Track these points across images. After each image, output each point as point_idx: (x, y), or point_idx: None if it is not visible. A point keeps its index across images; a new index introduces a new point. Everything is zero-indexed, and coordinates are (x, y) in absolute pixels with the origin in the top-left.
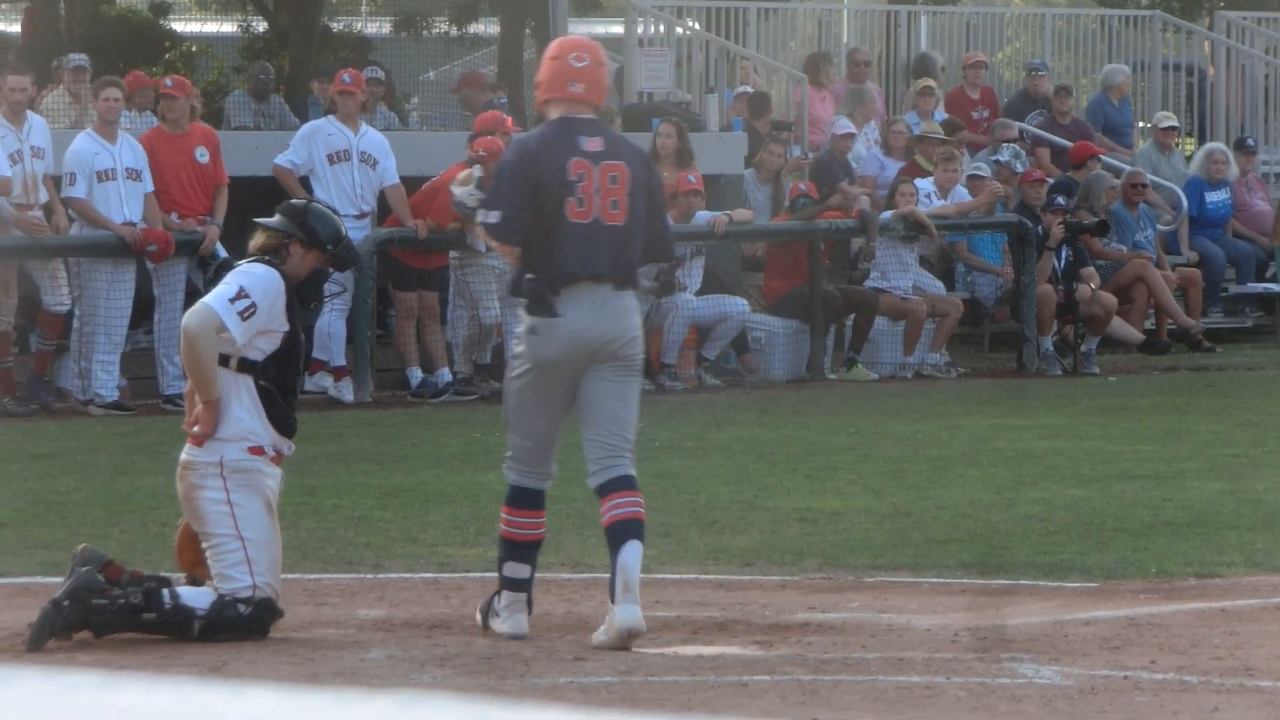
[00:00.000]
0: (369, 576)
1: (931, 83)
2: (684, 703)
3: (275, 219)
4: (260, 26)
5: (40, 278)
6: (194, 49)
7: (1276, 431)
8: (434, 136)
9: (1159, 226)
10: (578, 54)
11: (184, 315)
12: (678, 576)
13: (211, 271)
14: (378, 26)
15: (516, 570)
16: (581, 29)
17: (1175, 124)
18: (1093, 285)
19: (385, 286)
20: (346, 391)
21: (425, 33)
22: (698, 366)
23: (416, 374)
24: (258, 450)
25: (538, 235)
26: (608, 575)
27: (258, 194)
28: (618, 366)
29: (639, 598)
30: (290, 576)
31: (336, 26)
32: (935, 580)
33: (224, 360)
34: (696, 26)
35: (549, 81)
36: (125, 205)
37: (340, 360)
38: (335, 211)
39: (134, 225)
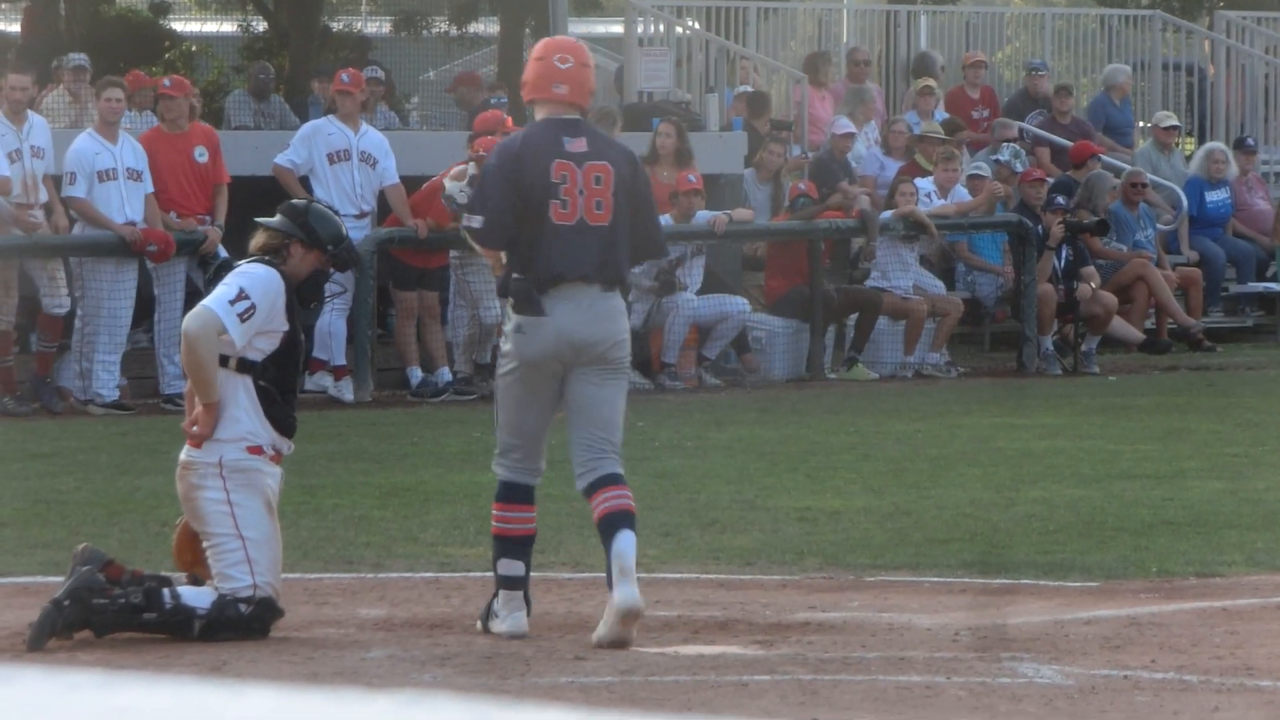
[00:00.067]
0: (369, 576)
1: (931, 82)
2: (684, 702)
3: (276, 219)
4: (260, 26)
5: (39, 279)
6: (194, 49)
7: (1277, 431)
8: (434, 136)
9: (1159, 226)
10: (562, 55)
11: (184, 318)
12: (678, 576)
13: (211, 271)
14: (378, 26)
15: (511, 567)
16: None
17: (1176, 123)
18: (1093, 285)
19: (385, 286)
20: (347, 391)
21: (425, 32)
22: (698, 366)
23: (417, 373)
24: (257, 450)
25: (523, 237)
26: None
27: (258, 194)
28: (604, 370)
29: (636, 580)
30: (291, 576)
31: (336, 26)
32: (936, 580)
33: (223, 360)
34: (696, 26)
35: (533, 83)
36: (126, 205)
37: (340, 360)
38: (336, 212)
39: (135, 225)
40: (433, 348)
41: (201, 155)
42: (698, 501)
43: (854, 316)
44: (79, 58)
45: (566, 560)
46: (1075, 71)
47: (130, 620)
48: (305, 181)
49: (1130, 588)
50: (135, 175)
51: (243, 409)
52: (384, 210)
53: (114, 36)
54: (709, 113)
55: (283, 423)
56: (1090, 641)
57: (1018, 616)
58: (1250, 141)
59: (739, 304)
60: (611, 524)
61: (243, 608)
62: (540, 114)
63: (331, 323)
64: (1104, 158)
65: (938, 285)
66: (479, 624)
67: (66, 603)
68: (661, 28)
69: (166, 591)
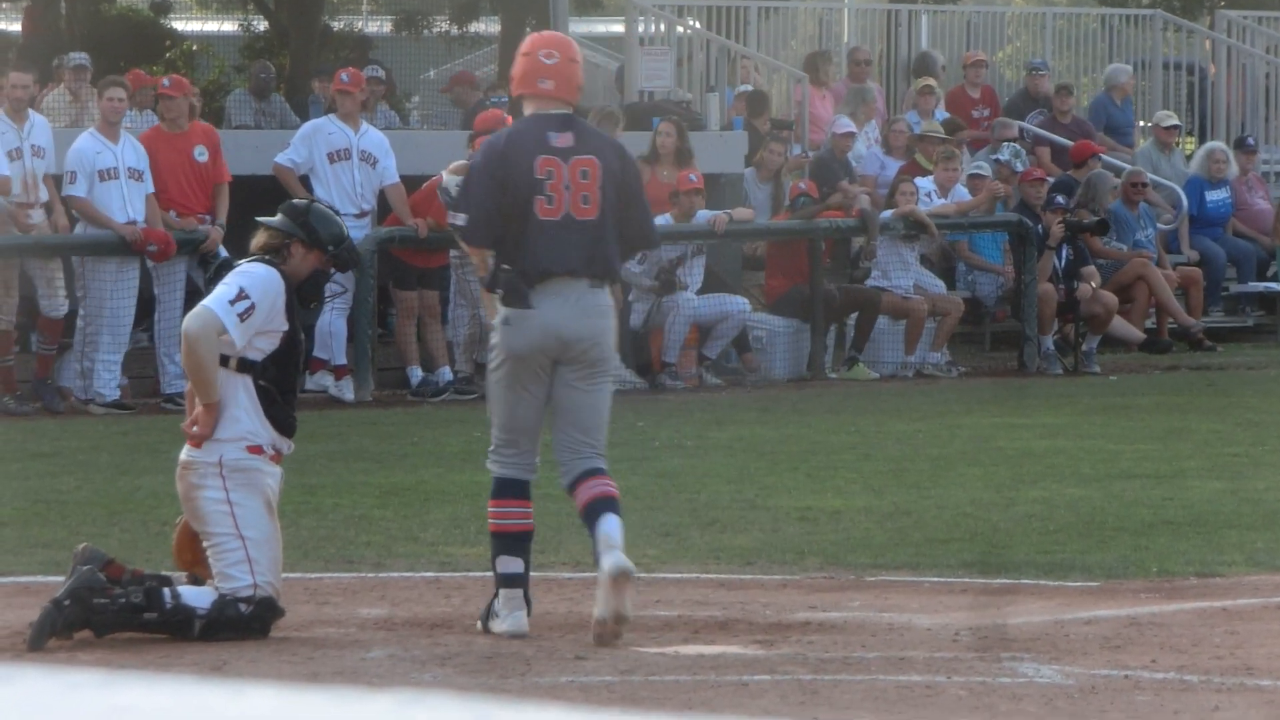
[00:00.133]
0: (370, 575)
1: (932, 82)
2: (684, 702)
3: (277, 218)
4: (261, 25)
5: (38, 281)
6: (194, 48)
7: (1277, 431)
8: (434, 135)
9: (1159, 225)
10: (548, 50)
11: (184, 318)
12: (679, 576)
13: (212, 271)
14: (378, 25)
15: (510, 565)
16: (582, 28)
17: (1176, 123)
18: (1093, 284)
19: (386, 285)
20: (347, 390)
21: (426, 32)
22: (699, 365)
23: (417, 373)
24: (256, 449)
25: (509, 233)
26: None
27: (258, 193)
28: (588, 372)
29: (622, 550)
30: (291, 575)
31: (337, 25)
32: (936, 579)
33: (223, 360)
34: (697, 25)
35: (520, 78)
36: (128, 205)
37: (341, 359)
38: (337, 212)
39: (136, 225)
40: (433, 347)
41: (202, 154)
42: (698, 501)
43: (854, 316)
44: (79, 57)
45: (567, 560)
46: (1076, 71)
47: (130, 620)
48: (305, 181)
49: (1131, 587)
50: (136, 175)
51: (243, 408)
52: (384, 209)
53: (114, 35)
54: (710, 112)
55: (283, 422)
56: (1090, 641)
57: (1018, 616)
58: (1251, 141)
59: (739, 303)
60: (594, 509)
61: (243, 607)
62: (528, 109)
63: (332, 322)
64: (1104, 157)
65: (938, 285)
66: (479, 624)
67: (67, 602)
68: (662, 27)
69: (167, 591)
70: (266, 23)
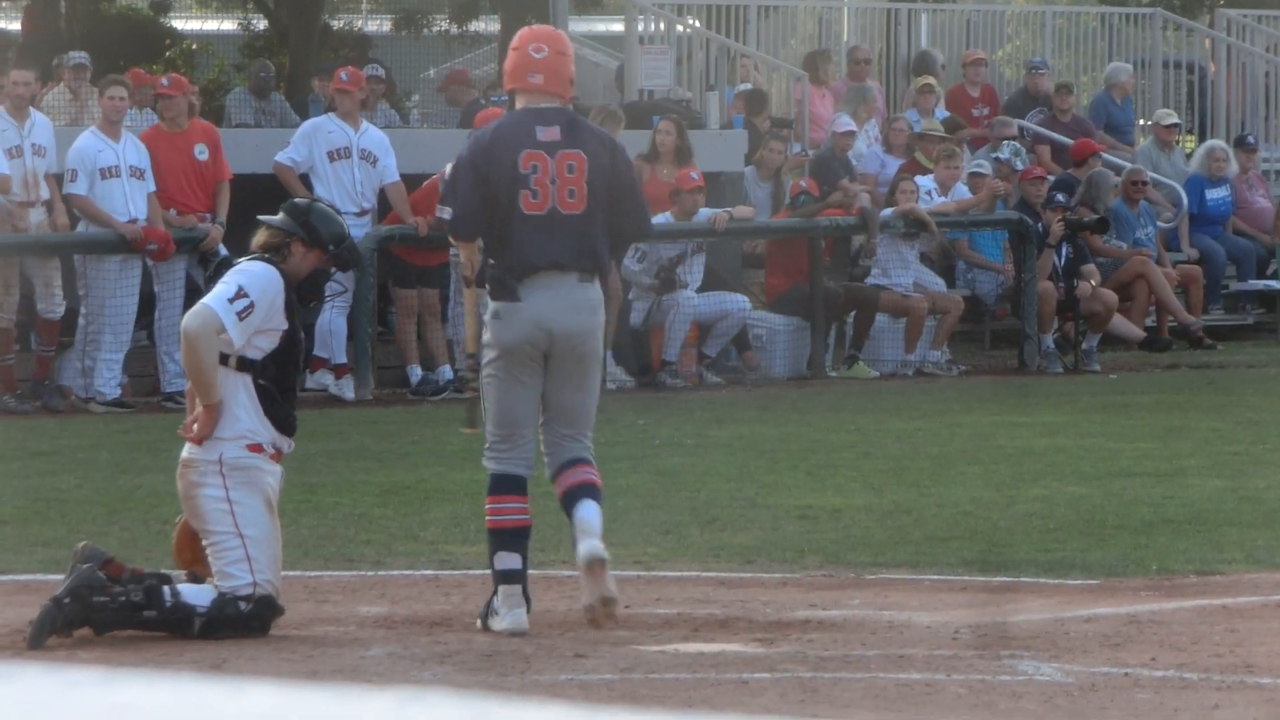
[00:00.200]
0: (370, 574)
1: (932, 80)
2: (685, 700)
3: (278, 217)
4: (261, 24)
5: (36, 282)
6: (194, 47)
7: (1277, 429)
8: (434, 134)
9: (1159, 224)
10: (537, 45)
11: (184, 317)
12: (678, 574)
13: (211, 269)
14: (378, 24)
15: (508, 561)
16: (582, 26)
17: (1176, 121)
18: (1093, 282)
19: (386, 284)
20: (347, 389)
21: (426, 30)
22: (699, 364)
23: (417, 372)
24: (256, 448)
25: (495, 227)
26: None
27: (259, 191)
28: (578, 369)
29: (599, 536)
30: (291, 574)
31: (337, 24)
32: (936, 577)
33: (223, 359)
34: (697, 24)
35: (510, 72)
36: (130, 203)
37: (341, 358)
38: (339, 211)
39: (138, 223)
40: (433, 346)
41: (202, 153)
42: (698, 499)
43: (853, 314)
44: (79, 56)
45: (567, 558)
46: (1076, 69)
47: (130, 618)
48: (306, 179)
49: (1130, 585)
50: (138, 173)
51: (243, 407)
52: (384, 208)
53: (114, 34)
54: (709, 111)
55: (283, 421)
56: (1090, 639)
57: (1018, 614)
58: (1251, 139)
59: (739, 302)
60: (573, 496)
61: (242, 606)
62: (519, 103)
63: (332, 321)
64: (1104, 156)
65: (938, 283)
66: (479, 622)
67: (67, 600)
68: (662, 25)
69: (166, 589)
70: (266, 21)
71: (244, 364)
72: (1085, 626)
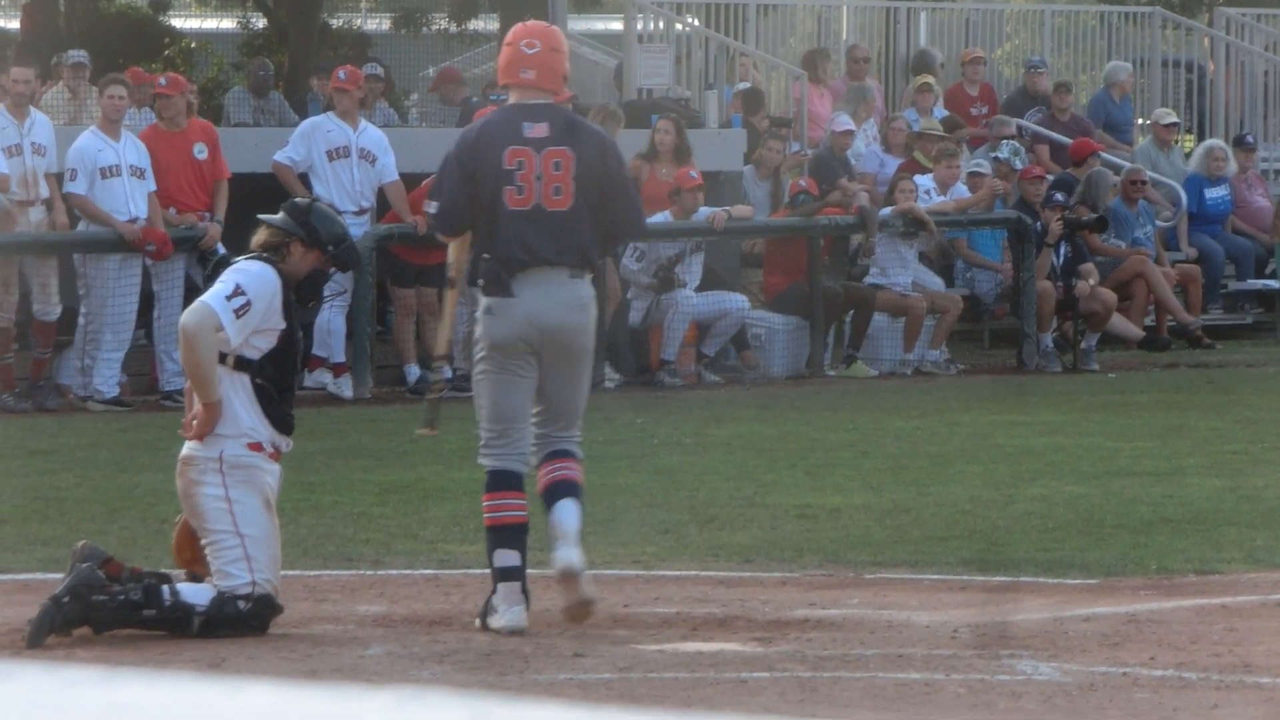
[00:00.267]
0: (369, 573)
1: (930, 79)
2: (683, 699)
3: (279, 216)
4: (259, 23)
5: (32, 284)
6: (193, 45)
7: (1276, 428)
8: (433, 133)
9: (1158, 223)
10: (529, 40)
11: (182, 315)
12: (677, 573)
13: (210, 268)
14: (377, 23)
15: (506, 558)
16: (581, 25)
17: (1175, 120)
18: (1092, 282)
19: (384, 283)
20: (346, 388)
21: (425, 29)
22: (697, 363)
23: (414, 370)
24: (257, 446)
25: (482, 223)
26: (608, 571)
27: (257, 190)
28: (570, 365)
29: (576, 542)
30: (290, 573)
31: (336, 23)
32: (935, 577)
33: (221, 358)
34: (696, 23)
35: (503, 68)
36: (130, 202)
37: (340, 357)
38: (339, 211)
39: (138, 222)
40: (431, 345)
41: (201, 152)
42: (697, 498)
43: (851, 313)
44: (78, 54)
45: None
46: (1075, 68)
47: (129, 617)
48: (304, 178)
49: (1129, 585)
50: (138, 172)
51: (242, 406)
52: (383, 207)
53: (113, 33)
54: (708, 109)
55: (281, 421)
56: (1089, 639)
57: (1017, 614)
58: (1250, 139)
59: (738, 301)
60: (553, 494)
61: (241, 605)
62: (512, 99)
63: (331, 320)
64: (1103, 155)
65: (937, 282)
66: (478, 621)
67: (66, 599)
68: (661, 24)
69: (166, 588)
70: (265, 20)
71: (241, 363)
72: (1084, 626)
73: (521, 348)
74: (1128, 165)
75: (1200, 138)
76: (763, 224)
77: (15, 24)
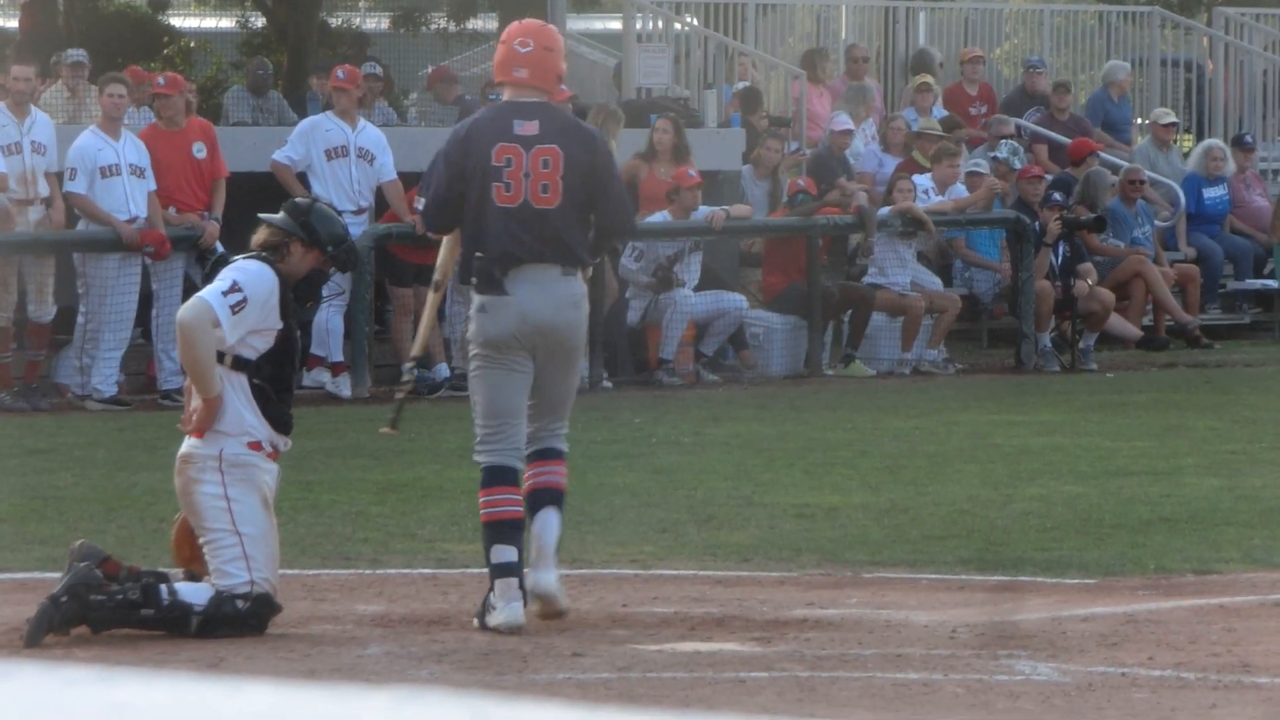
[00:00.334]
0: (367, 572)
1: (929, 79)
2: (682, 699)
3: (279, 216)
4: (259, 22)
5: (28, 285)
6: (192, 44)
7: (1274, 428)
8: (432, 132)
9: (1157, 223)
10: (522, 39)
11: (179, 310)
12: (675, 572)
13: (209, 267)
14: (376, 22)
15: (503, 554)
16: (580, 24)
17: (1174, 120)
18: (1090, 281)
19: (382, 282)
20: (344, 387)
21: (424, 28)
22: (696, 362)
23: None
24: (256, 445)
25: (471, 219)
26: (605, 571)
27: (256, 189)
28: (562, 363)
29: (555, 562)
30: (288, 572)
31: (335, 22)
32: (933, 576)
33: (219, 357)
34: (695, 22)
35: (497, 66)
36: (130, 202)
37: (338, 356)
38: (339, 212)
39: (138, 221)
40: (430, 344)
41: (200, 151)
42: (695, 498)
43: (849, 313)
44: (77, 53)
45: (564, 557)
46: (1074, 68)
47: (127, 616)
48: (303, 178)
49: (1128, 585)
50: (138, 171)
51: (242, 405)
52: (382, 206)
53: (112, 32)
54: (707, 109)
55: (279, 420)
56: (1088, 638)
57: (1015, 613)
58: (1248, 138)
59: (736, 300)
60: (538, 500)
61: (240, 604)
62: (505, 96)
63: (329, 319)
64: (1102, 154)
65: (935, 282)
66: (476, 620)
67: (64, 599)
68: (660, 24)
69: (164, 588)
70: (264, 19)
71: (239, 363)
72: (1082, 626)
73: (515, 345)
74: (1126, 165)
75: (1199, 137)
76: (761, 223)
77: (14, 23)
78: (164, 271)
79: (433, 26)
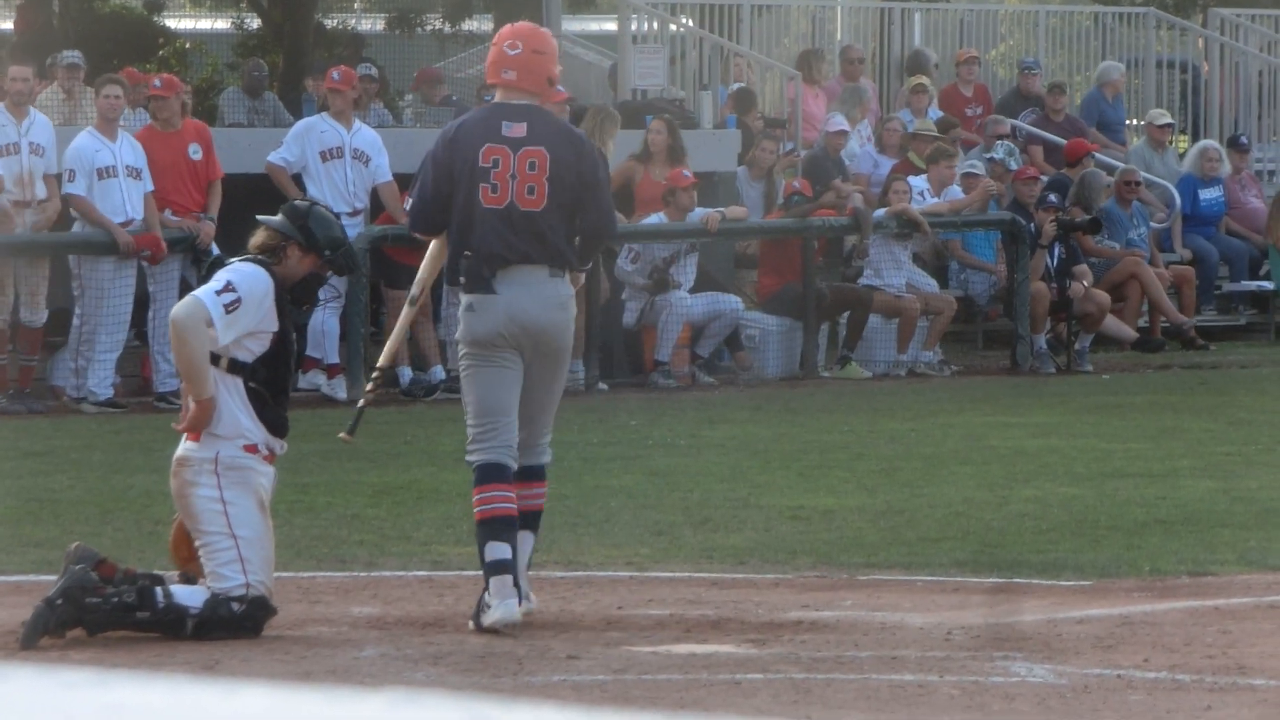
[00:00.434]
0: (362, 574)
1: (925, 80)
2: (677, 701)
3: (277, 218)
4: (254, 23)
5: (21, 288)
6: (187, 46)
7: (1270, 429)
8: (427, 133)
9: (1152, 224)
10: (512, 42)
11: (173, 309)
12: (671, 575)
13: (205, 268)
14: (371, 23)
15: (497, 551)
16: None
17: (1170, 121)
18: (1086, 283)
19: (378, 284)
20: (339, 389)
21: (419, 30)
22: (691, 364)
23: (407, 373)
24: (252, 448)
25: (459, 220)
26: (601, 573)
27: (252, 191)
28: (548, 365)
29: (522, 592)
30: (283, 574)
31: (330, 23)
32: (929, 578)
33: (213, 360)
34: (690, 23)
35: (489, 68)
36: (127, 203)
37: (334, 358)
38: (337, 215)
39: (134, 223)
40: (425, 346)
41: (195, 152)
42: (691, 500)
43: (846, 315)
44: (73, 55)
45: (559, 559)
46: (1069, 69)
47: (123, 619)
48: (298, 179)
49: (1123, 586)
50: (135, 173)
51: (238, 407)
52: (377, 208)
53: (107, 33)
54: (702, 110)
55: (275, 423)
56: (1083, 640)
57: (1011, 615)
58: (1244, 139)
59: (732, 302)
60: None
61: (235, 606)
62: (497, 98)
63: (325, 321)
64: (1097, 155)
65: (931, 283)
66: (471, 623)
67: (59, 601)
68: (655, 25)
69: (159, 590)
70: (259, 21)
71: (235, 366)
72: (1078, 628)
73: (503, 343)
74: (1121, 166)
75: (1194, 138)
76: (757, 225)
77: (9, 25)
78: (160, 274)
79: (428, 28)
